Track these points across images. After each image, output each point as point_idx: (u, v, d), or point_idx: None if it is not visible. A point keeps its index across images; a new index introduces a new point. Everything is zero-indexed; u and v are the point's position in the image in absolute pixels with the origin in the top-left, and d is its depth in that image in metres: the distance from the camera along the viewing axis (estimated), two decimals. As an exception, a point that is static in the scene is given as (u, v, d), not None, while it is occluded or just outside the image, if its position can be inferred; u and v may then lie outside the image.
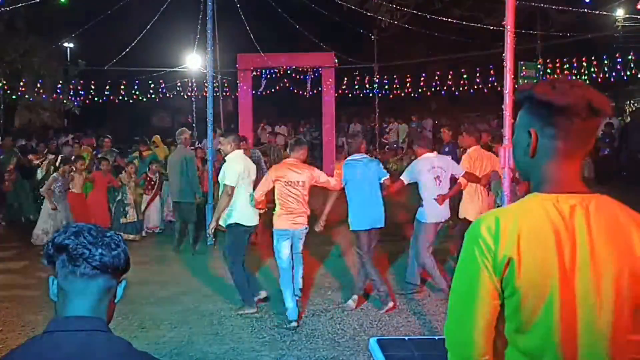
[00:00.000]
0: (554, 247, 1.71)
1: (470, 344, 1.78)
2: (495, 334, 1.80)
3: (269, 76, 20.58)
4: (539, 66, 18.69)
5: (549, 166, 1.82)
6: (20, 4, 13.82)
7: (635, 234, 1.74)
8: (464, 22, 16.68)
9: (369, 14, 16.99)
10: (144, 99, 22.72)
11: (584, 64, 19.20)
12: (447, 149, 11.12)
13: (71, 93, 21.13)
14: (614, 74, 18.94)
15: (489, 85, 20.38)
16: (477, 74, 20.93)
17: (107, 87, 21.23)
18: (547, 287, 1.70)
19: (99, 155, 12.61)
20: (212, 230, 7.50)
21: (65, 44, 24.52)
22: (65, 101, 21.08)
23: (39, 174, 13.08)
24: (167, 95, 23.34)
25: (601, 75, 19.07)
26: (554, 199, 1.77)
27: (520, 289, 1.71)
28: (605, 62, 18.89)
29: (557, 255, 1.71)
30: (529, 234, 1.72)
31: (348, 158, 7.38)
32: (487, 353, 1.79)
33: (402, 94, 22.62)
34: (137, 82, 21.76)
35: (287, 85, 22.74)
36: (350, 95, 22.86)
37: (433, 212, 7.36)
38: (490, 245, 1.74)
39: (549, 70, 19.32)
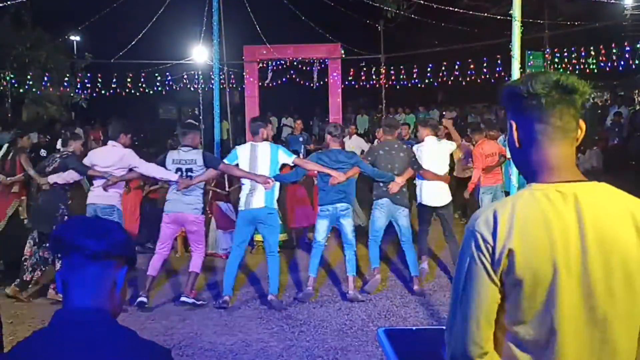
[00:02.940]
0: (553, 236, 1.71)
1: (469, 338, 1.79)
2: (496, 326, 1.81)
3: (275, 68, 20.54)
4: (546, 56, 18.58)
5: (537, 154, 1.83)
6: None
7: (631, 220, 1.74)
8: (471, 12, 16.59)
9: (375, 4, 16.91)
10: (151, 92, 22.73)
11: (592, 53, 19.05)
12: None
13: (78, 86, 21.13)
14: (622, 62, 18.79)
15: (496, 75, 20.27)
16: (484, 64, 20.82)
17: (114, 80, 21.25)
18: (548, 277, 1.70)
19: None
20: None
21: (72, 37, 24.53)
22: (72, 94, 21.09)
23: None
24: (174, 87, 23.35)
25: (609, 65, 18.93)
26: (550, 189, 1.77)
27: (521, 280, 1.71)
28: (614, 51, 18.73)
29: (556, 244, 1.71)
30: (527, 224, 1.72)
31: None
32: (485, 346, 1.79)
33: (409, 85, 22.54)
34: (143, 74, 21.76)
35: (294, 77, 22.70)
36: (356, 86, 22.79)
37: None
38: (488, 239, 1.74)
39: (556, 60, 19.19)
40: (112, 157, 7.08)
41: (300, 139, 12.46)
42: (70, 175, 7.27)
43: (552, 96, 1.77)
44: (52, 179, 7.24)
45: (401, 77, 22.38)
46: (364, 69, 22.60)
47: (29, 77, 19.37)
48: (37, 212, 7.47)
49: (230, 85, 21.10)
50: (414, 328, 4.38)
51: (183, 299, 7.01)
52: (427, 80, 22.39)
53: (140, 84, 22.04)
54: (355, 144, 12.26)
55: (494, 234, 1.73)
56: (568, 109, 1.79)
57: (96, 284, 1.75)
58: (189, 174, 6.88)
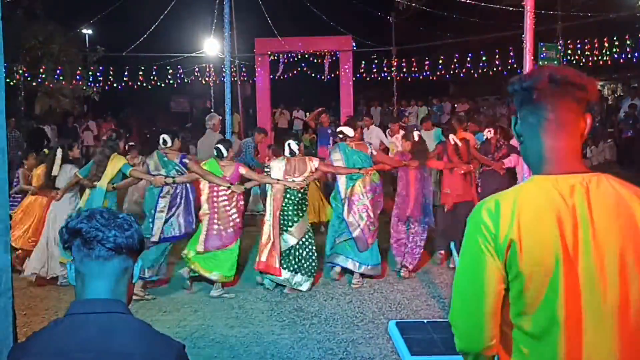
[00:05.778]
0: (556, 227, 1.71)
1: (477, 330, 1.79)
2: (501, 318, 1.80)
3: (286, 60, 20.52)
4: (559, 47, 18.43)
5: (536, 147, 1.84)
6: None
7: (635, 211, 1.73)
8: (483, 3, 16.49)
9: (386, -4, 16.85)
10: (162, 85, 22.82)
11: (606, 44, 18.87)
12: None
13: (90, 79, 21.25)
14: (636, 54, 18.60)
15: (509, 67, 20.15)
16: (497, 56, 20.70)
17: (126, 73, 21.35)
18: (551, 268, 1.70)
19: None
20: None
21: (84, 31, 24.65)
22: (84, 87, 21.20)
23: None
24: (185, 80, 23.42)
25: (623, 56, 18.75)
26: (553, 180, 1.77)
27: (524, 271, 1.71)
28: (628, 42, 18.54)
29: (559, 235, 1.70)
30: (530, 215, 1.72)
31: None
32: (494, 338, 1.80)
33: (421, 77, 22.45)
34: (155, 67, 21.85)
35: (305, 69, 22.68)
36: (368, 79, 22.74)
37: None
38: (492, 229, 1.74)
39: (569, 52, 19.04)
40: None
41: (329, 131, 12.52)
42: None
43: (543, 89, 1.78)
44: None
45: (413, 69, 22.31)
46: (376, 61, 22.54)
47: (41, 70, 19.49)
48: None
49: (242, 78, 21.14)
50: (425, 321, 4.38)
51: None
52: (438, 73, 22.31)
53: (152, 77, 22.14)
54: (374, 134, 12.23)
55: (497, 224, 1.73)
56: (562, 101, 1.78)
57: (116, 276, 1.77)
58: None
